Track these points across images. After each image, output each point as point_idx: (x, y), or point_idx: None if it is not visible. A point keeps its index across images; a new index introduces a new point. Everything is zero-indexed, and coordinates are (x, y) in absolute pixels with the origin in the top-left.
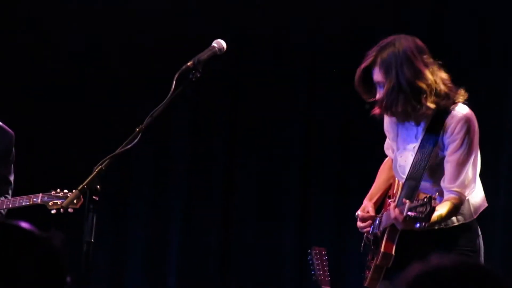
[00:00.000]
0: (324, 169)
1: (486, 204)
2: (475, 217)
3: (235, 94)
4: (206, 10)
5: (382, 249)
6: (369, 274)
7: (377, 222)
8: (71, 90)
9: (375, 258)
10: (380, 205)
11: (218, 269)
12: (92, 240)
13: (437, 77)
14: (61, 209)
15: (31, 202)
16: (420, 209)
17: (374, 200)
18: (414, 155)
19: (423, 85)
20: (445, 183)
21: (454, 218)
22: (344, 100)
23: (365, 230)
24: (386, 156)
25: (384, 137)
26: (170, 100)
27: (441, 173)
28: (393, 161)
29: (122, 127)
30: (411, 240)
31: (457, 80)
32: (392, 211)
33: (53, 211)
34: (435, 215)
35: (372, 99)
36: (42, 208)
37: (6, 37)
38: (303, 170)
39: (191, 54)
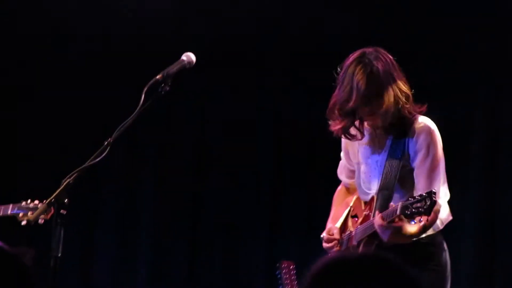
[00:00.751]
0: (293, 184)
1: (451, 217)
2: (441, 227)
3: (202, 107)
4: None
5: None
6: None
7: (345, 240)
8: (39, 101)
9: None
10: (342, 226)
11: (187, 284)
12: (60, 255)
13: (406, 87)
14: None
15: (1, 214)
16: (418, 204)
17: (336, 222)
18: (381, 167)
19: (408, 94)
20: (416, 192)
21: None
22: (311, 116)
23: (333, 250)
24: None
25: None
26: (138, 113)
27: (411, 183)
28: (356, 178)
29: (91, 140)
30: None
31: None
32: (376, 219)
33: (23, 223)
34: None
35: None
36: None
37: None
38: (273, 186)
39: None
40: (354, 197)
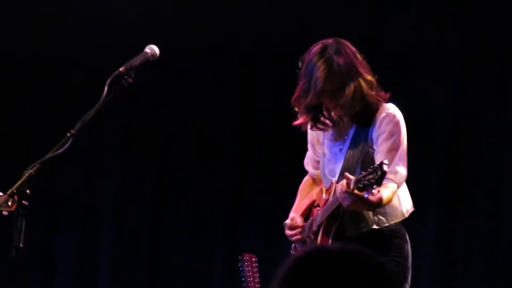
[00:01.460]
0: (256, 176)
1: (413, 208)
2: (406, 216)
3: (166, 103)
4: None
5: (319, 243)
6: None
7: (306, 228)
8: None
9: None
10: (306, 216)
11: (148, 277)
12: (21, 245)
13: (370, 76)
14: None
15: None
16: (370, 176)
17: (300, 212)
18: (344, 153)
19: (372, 83)
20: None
21: (384, 218)
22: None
23: (295, 237)
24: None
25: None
26: (101, 105)
27: None
28: (321, 168)
29: (53, 132)
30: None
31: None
32: (339, 187)
33: None
34: (384, 196)
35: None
36: None
37: None
38: (234, 178)
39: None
40: (318, 190)
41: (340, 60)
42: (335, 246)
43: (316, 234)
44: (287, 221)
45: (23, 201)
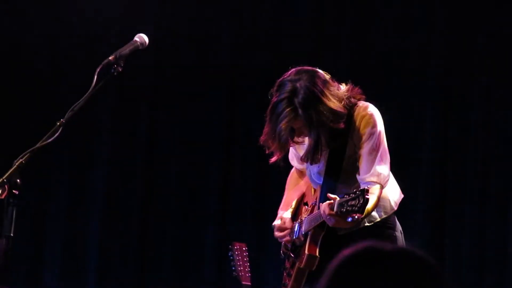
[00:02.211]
0: (246, 166)
1: (402, 195)
2: (395, 208)
3: (157, 92)
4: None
5: (306, 252)
6: (289, 282)
7: (296, 229)
8: None
9: (298, 263)
10: (294, 214)
11: (138, 265)
12: (12, 234)
13: (340, 94)
14: None
15: None
16: (352, 202)
17: (288, 209)
18: (326, 159)
19: (341, 99)
20: (360, 176)
21: (375, 214)
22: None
23: (284, 239)
24: None
25: None
26: (91, 94)
27: (356, 172)
28: (307, 171)
29: (43, 121)
30: (333, 243)
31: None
32: (322, 208)
33: None
34: (368, 206)
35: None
36: None
37: None
38: (225, 167)
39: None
40: (306, 181)
41: (301, 106)
42: (388, 246)
43: (305, 237)
44: (276, 223)
45: (14, 191)
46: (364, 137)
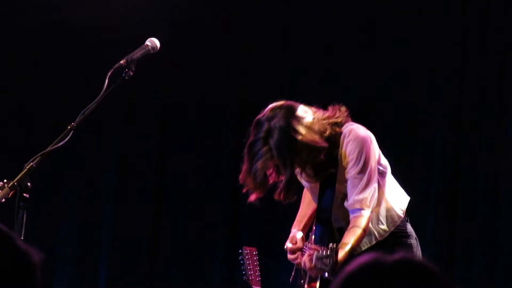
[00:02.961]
0: None
1: (408, 197)
2: (403, 216)
3: (168, 91)
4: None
5: (306, 286)
6: None
7: (307, 250)
8: (2, 85)
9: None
10: (309, 229)
11: (148, 267)
12: (22, 237)
13: (319, 124)
14: None
15: None
16: (325, 260)
17: (301, 226)
18: (318, 190)
19: (318, 147)
20: (346, 203)
21: (385, 227)
22: None
23: (296, 261)
24: None
25: None
26: (102, 98)
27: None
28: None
29: (54, 124)
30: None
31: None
32: (303, 260)
33: None
34: (347, 249)
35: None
36: None
37: None
38: (234, 171)
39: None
40: None
41: (279, 150)
42: (390, 258)
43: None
44: (288, 245)
45: (24, 194)
46: (350, 163)
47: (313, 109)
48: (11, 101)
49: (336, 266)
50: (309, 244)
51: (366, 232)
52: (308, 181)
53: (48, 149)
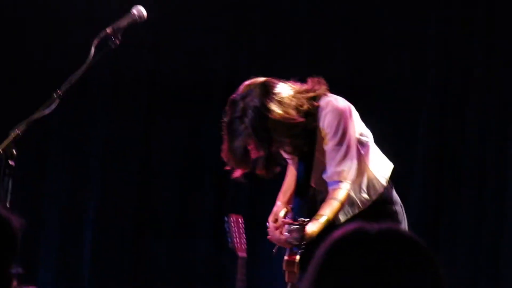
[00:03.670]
0: None
1: (392, 165)
2: (386, 184)
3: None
4: None
5: (285, 257)
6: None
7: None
8: None
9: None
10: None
11: (134, 234)
12: (8, 205)
13: (296, 99)
14: None
15: None
16: (294, 234)
17: (286, 198)
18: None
19: (294, 123)
20: (324, 175)
21: (367, 196)
22: None
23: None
24: None
25: None
26: (88, 66)
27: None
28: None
29: (40, 92)
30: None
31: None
32: (270, 232)
33: None
34: (322, 220)
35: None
36: None
37: None
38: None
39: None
40: None
41: (255, 128)
42: (376, 227)
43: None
44: (270, 221)
45: (10, 161)
46: (328, 136)
47: (290, 83)
48: None
49: (304, 240)
50: (284, 218)
51: (344, 204)
52: (287, 155)
53: (34, 116)
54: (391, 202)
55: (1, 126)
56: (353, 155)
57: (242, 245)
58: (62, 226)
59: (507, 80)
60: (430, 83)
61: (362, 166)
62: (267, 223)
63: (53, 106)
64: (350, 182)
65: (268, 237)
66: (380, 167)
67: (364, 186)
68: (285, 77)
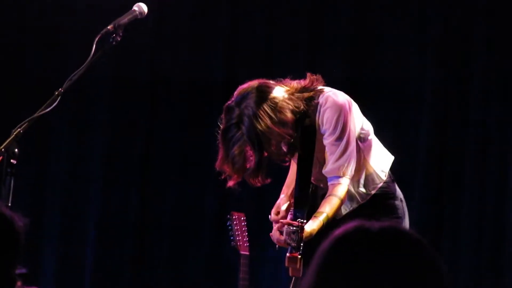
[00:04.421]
0: None
1: (392, 157)
2: (385, 178)
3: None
4: None
5: (288, 254)
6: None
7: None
8: None
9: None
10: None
11: (136, 232)
12: (10, 204)
13: (293, 101)
14: None
15: None
16: (293, 236)
17: (290, 191)
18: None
19: (288, 126)
20: (324, 170)
21: (365, 190)
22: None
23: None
24: None
25: None
26: (90, 63)
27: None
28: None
29: (41, 90)
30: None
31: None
32: (273, 232)
33: None
34: (321, 218)
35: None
36: None
37: None
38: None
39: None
40: None
41: (250, 134)
42: (377, 225)
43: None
44: (272, 214)
45: (11, 160)
46: (327, 131)
47: (286, 83)
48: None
49: (302, 241)
50: (286, 212)
51: (344, 201)
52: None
53: (36, 114)
54: (393, 196)
55: (2, 125)
56: (352, 150)
57: (245, 243)
58: (64, 226)
59: (508, 78)
60: (431, 82)
61: (362, 160)
62: (269, 216)
63: (54, 104)
64: (349, 177)
65: (270, 234)
66: (380, 160)
67: (362, 181)
68: (283, 77)
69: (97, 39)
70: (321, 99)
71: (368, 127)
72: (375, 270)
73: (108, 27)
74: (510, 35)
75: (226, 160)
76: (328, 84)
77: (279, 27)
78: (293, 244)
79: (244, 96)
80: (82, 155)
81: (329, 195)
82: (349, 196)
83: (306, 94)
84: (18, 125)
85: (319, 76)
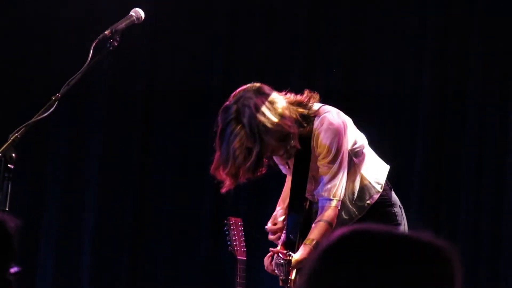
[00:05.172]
0: None
1: (388, 166)
2: (381, 190)
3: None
4: None
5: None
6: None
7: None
8: None
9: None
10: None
11: (133, 236)
12: (7, 209)
13: (287, 111)
14: None
15: None
16: (281, 268)
17: (285, 204)
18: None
19: (287, 132)
20: (316, 190)
21: (362, 204)
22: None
23: (277, 242)
24: None
25: None
26: (87, 68)
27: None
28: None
29: (39, 95)
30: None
31: None
32: (265, 260)
33: None
34: (311, 245)
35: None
36: None
37: None
38: None
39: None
40: None
41: (252, 127)
42: (370, 231)
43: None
44: (269, 224)
45: (9, 165)
46: (322, 153)
47: (283, 94)
48: None
49: (289, 274)
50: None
51: (333, 225)
52: (282, 164)
53: (33, 119)
54: (390, 203)
55: (0, 130)
56: (344, 171)
57: (242, 248)
58: (61, 228)
59: (506, 81)
60: (428, 87)
61: (355, 174)
62: (265, 227)
63: (52, 109)
64: (339, 199)
65: (271, 237)
66: (375, 172)
67: (357, 194)
68: (281, 88)
69: (94, 44)
70: (317, 121)
71: (362, 140)
72: (370, 277)
73: (105, 32)
74: (508, 50)
75: (224, 158)
76: (326, 91)
77: (277, 35)
78: (281, 277)
79: (241, 95)
80: (79, 159)
81: (319, 221)
82: (346, 211)
83: (301, 110)
84: (15, 130)
85: (316, 94)
